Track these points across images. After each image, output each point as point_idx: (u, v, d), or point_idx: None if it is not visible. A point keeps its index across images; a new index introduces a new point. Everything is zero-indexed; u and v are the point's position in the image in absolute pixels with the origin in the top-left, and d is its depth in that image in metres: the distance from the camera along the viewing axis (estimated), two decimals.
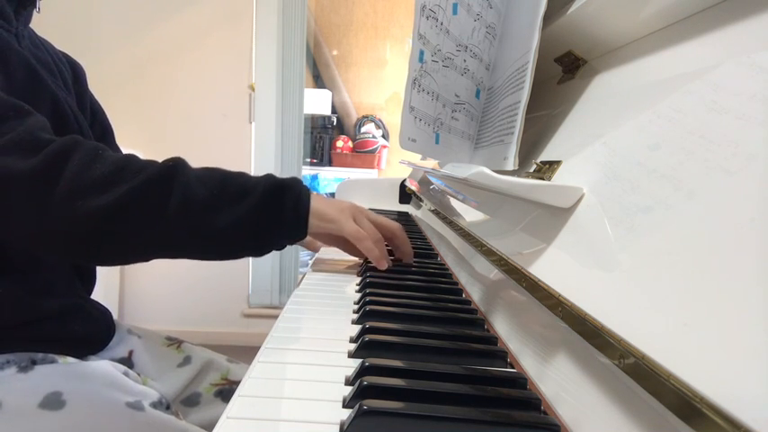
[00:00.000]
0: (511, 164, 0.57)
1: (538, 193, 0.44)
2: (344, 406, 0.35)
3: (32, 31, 0.76)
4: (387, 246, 0.71)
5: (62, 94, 0.71)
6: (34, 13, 0.74)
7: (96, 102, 0.87)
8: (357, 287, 0.65)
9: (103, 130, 0.87)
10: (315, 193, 0.64)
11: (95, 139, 0.84)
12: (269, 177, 0.61)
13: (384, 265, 0.68)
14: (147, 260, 0.60)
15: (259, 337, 0.51)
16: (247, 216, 0.57)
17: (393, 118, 3.43)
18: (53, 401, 0.59)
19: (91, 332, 0.74)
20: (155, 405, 0.65)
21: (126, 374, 0.68)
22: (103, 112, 0.88)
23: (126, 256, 0.61)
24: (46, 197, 0.53)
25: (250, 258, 2.37)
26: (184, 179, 0.56)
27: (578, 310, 0.35)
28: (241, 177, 0.60)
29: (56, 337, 0.67)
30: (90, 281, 0.81)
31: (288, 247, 0.70)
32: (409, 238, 0.98)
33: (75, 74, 0.82)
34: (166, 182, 0.55)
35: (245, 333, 2.38)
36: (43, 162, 0.53)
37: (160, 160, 0.58)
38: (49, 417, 0.59)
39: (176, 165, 0.57)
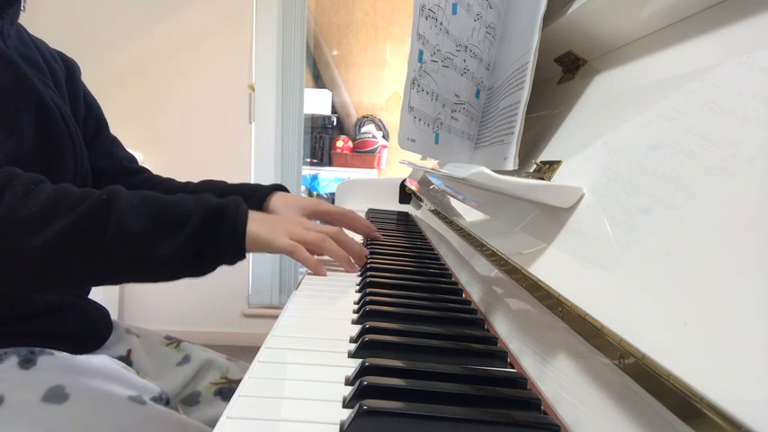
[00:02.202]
0: (511, 164, 0.57)
1: (538, 193, 0.44)
2: (344, 406, 0.35)
3: (22, 28, 0.76)
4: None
5: (49, 93, 0.71)
6: (28, 12, 0.73)
7: (90, 96, 0.87)
8: (357, 287, 0.65)
9: (97, 123, 0.87)
10: (254, 213, 0.64)
11: (90, 133, 0.84)
12: (206, 202, 0.61)
13: (322, 273, 0.67)
14: (88, 287, 0.61)
15: (259, 337, 0.51)
16: (184, 245, 0.57)
17: (393, 118, 3.43)
18: (56, 395, 0.60)
19: (88, 330, 0.74)
20: (155, 399, 0.65)
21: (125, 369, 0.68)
22: (98, 106, 0.88)
23: (65, 287, 0.62)
24: None
25: (250, 258, 2.37)
26: (118, 212, 0.56)
27: (578, 310, 0.35)
28: (178, 204, 0.60)
29: (52, 333, 0.67)
30: None
31: None
32: (409, 237, 0.99)
33: (69, 71, 0.82)
34: (100, 216, 0.55)
35: (245, 333, 2.38)
36: None
37: (157, 159, 0.57)
38: (52, 410, 0.59)
39: (110, 198, 0.57)
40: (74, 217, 0.54)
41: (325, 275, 0.68)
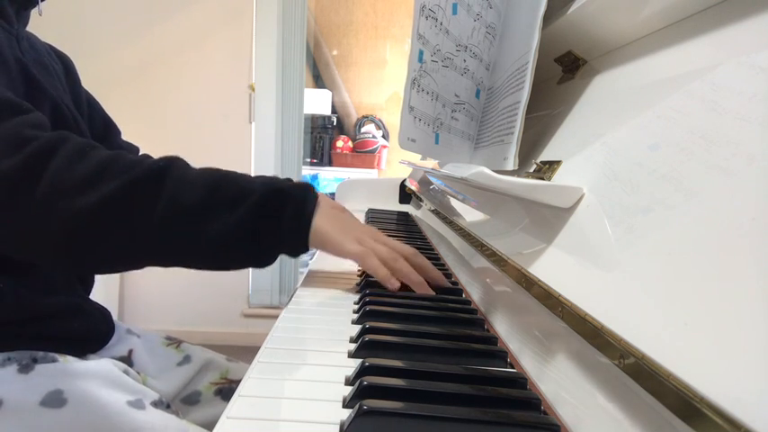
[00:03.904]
0: (511, 164, 0.57)
1: (538, 193, 0.44)
2: (344, 406, 0.35)
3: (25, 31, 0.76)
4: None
5: (59, 95, 0.71)
6: (36, 14, 0.74)
7: (91, 96, 0.86)
8: (357, 287, 0.65)
9: (106, 124, 0.86)
10: (324, 204, 0.58)
11: (100, 134, 0.84)
12: (270, 182, 0.56)
13: (395, 285, 0.59)
14: (135, 268, 0.55)
15: (259, 337, 0.51)
16: (240, 223, 0.52)
17: (393, 118, 3.43)
18: (54, 400, 0.60)
19: (90, 331, 0.74)
20: (155, 404, 0.65)
21: (126, 373, 0.68)
22: (100, 106, 0.87)
23: (111, 263, 0.57)
24: (26, 196, 0.49)
25: None
26: (174, 182, 0.52)
27: (578, 310, 0.35)
28: (239, 180, 0.55)
29: (56, 335, 0.67)
30: (88, 281, 0.81)
31: None
32: (409, 237, 0.99)
33: (65, 68, 0.81)
34: (153, 184, 0.51)
35: (245, 333, 2.38)
36: (24, 160, 0.49)
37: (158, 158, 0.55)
38: (50, 415, 0.59)
39: (168, 165, 0.53)
40: (124, 180, 0.50)
41: (396, 289, 0.59)
